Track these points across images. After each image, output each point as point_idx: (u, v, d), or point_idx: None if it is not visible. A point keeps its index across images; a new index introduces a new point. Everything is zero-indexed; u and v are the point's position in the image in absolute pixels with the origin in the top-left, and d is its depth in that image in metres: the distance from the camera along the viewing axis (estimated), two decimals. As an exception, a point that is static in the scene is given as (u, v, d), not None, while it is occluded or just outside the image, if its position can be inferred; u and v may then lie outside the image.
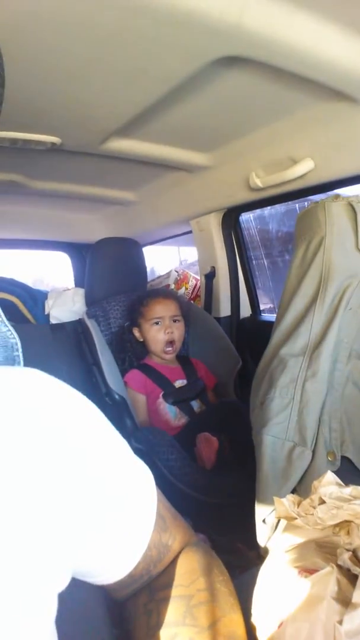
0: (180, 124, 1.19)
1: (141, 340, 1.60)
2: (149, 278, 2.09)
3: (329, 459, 0.90)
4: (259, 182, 1.34)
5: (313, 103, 1.05)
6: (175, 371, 1.59)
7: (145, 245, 2.32)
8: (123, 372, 1.51)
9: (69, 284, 2.55)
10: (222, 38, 0.76)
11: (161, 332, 1.55)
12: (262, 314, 1.93)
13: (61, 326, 1.75)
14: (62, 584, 0.38)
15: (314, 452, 0.90)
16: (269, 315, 1.90)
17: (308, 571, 0.47)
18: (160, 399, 1.50)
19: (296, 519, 0.54)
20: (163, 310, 1.56)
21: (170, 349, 1.56)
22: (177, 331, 1.58)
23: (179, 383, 1.56)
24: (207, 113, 1.13)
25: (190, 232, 1.97)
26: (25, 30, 0.74)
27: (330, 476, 0.56)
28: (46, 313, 1.98)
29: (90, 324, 1.50)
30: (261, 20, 0.72)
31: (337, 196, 0.98)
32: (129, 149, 1.30)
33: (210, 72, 0.89)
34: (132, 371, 1.54)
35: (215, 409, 1.55)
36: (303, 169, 1.19)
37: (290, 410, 0.93)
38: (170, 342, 1.56)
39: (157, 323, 1.56)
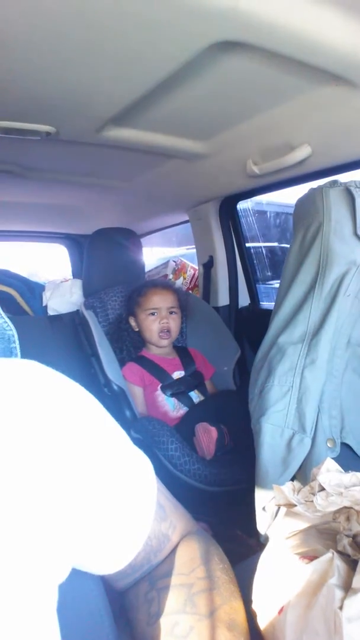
0: (176, 112, 1.17)
1: (137, 330, 1.60)
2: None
3: (329, 445, 0.90)
4: (256, 169, 1.33)
5: (311, 88, 1.03)
6: (172, 362, 1.58)
7: (142, 235, 2.31)
8: (120, 361, 1.51)
9: (64, 277, 2.55)
10: (219, 22, 0.74)
11: (156, 322, 1.54)
12: (261, 303, 1.93)
13: (59, 317, 1.75)
14: (62, 575, 0.38)
15: (313, 439, 0.90)
16: (268, 304, 1.90)
17: (308, 558, 0.47)
18: (159, 391, 1.50)
19: (296, 506, 0.54)
20: (160, 301, 1.55)
21: (164, 334, 1.54)
22: (173, 323, 1.56)
23: (177, 374, 1.55)
24: (204, 100, 1.11)
25: (187, 221, 1.96)
26: (18, 15, 0.72)
27: (329, 463, 0.56)
28: (44, 305, 1.98)
29: (88, 315, 1.50)
30: (258, 3, 0.70)
31: (335, 182, 0.97)
32: (125, 137, 1.28)
33: (207, 57, 0.88)
34: (128, 364, 1.53)
35: (214, 399, 1.55)
36: (301, 155, 1.18)
37: (289, 398, 0.93)
38: (166, 331, 1.55)
39: (153, 314, 1.55)
